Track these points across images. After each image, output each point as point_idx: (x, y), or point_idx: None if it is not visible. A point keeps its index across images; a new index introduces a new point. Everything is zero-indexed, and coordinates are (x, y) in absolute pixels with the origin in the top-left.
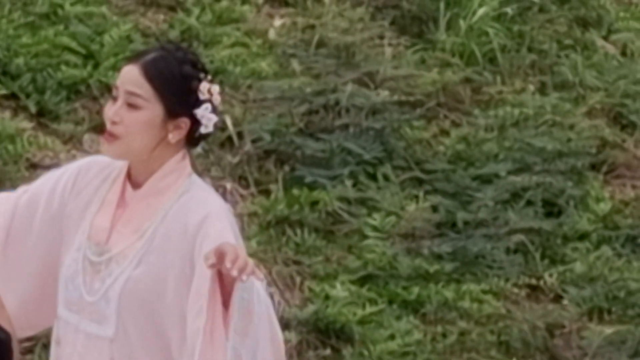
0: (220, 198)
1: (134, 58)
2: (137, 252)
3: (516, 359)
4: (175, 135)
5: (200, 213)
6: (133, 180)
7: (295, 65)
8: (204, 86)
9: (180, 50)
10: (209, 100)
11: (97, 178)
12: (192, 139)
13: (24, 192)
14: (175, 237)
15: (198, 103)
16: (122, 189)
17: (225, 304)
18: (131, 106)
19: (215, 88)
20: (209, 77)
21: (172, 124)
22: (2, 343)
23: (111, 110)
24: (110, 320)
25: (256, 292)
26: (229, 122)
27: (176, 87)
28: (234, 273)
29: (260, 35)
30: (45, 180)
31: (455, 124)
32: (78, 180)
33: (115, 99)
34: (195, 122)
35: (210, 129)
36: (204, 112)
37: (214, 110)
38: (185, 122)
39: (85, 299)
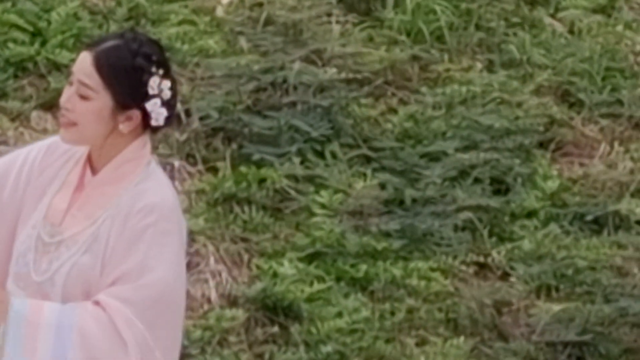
0: (172, 190)
1: (91, 45)
2: (86, 239)
3: (464, 337)
4: (127, 126)
5: (141, 203)
6: (93, 164)
7: (243, 43)
8: (154, 81)
9: (136, 41)
10: (158, 96)
11: (61, 157)
12: (150, 127)
13: None
14: (118, 226)
15: (147, 97)
16: (82, 172)
17: None
18: (81, 96)
19: (166, 84)
20: (162, 71)
21: (123, 115)
22: None
23: (64, 97)
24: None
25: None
26: None
27: (125, 79)
28: None
29: (208, 13)
30: (14, 157)
31: (403, 102)
32: (45, 158)
33: (71, 83)
34: (147, 114)
35: (161, 122)
36: (153, 107)
37: (165, 104)
38: (135, 114)
39: (33, 278)
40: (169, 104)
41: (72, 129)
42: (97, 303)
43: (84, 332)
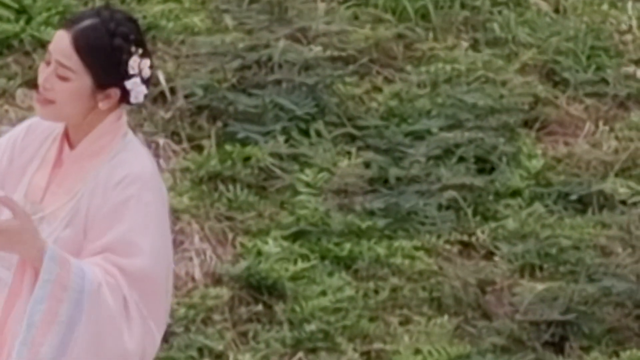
0: (150, 160)
1: (68, 23)
2: (67, 213)
3: (448, 315)
4: (106, 104)
5: (121, 174)
6: (71, 139)
7: (228, 20)
8: (134, 61)
9: (113, 20)
10: (139, 75)
11: (41, 135)
12: (127, 101)
13: None
14: (98, 197)
15: (127, 76)
16: (60, 148)
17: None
18: (61, 77)
19: (146, 62)
20: (140, 50)
21: (102, 94)
22: None
23: (42, 76)
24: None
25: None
26: (161, 77)
27: (105, 59)
28: None
29: None
30: None
31: (388, 80)
32: (26, 138)
33: (48, 62)
34: (126, 92)
35: (141, 99)
36: (133, 86)
37: (144, 82)
38: (115, 92)
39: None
40: (148, 81)
41: (50, 107)
42: (105, 271)
43: (99, 300)
